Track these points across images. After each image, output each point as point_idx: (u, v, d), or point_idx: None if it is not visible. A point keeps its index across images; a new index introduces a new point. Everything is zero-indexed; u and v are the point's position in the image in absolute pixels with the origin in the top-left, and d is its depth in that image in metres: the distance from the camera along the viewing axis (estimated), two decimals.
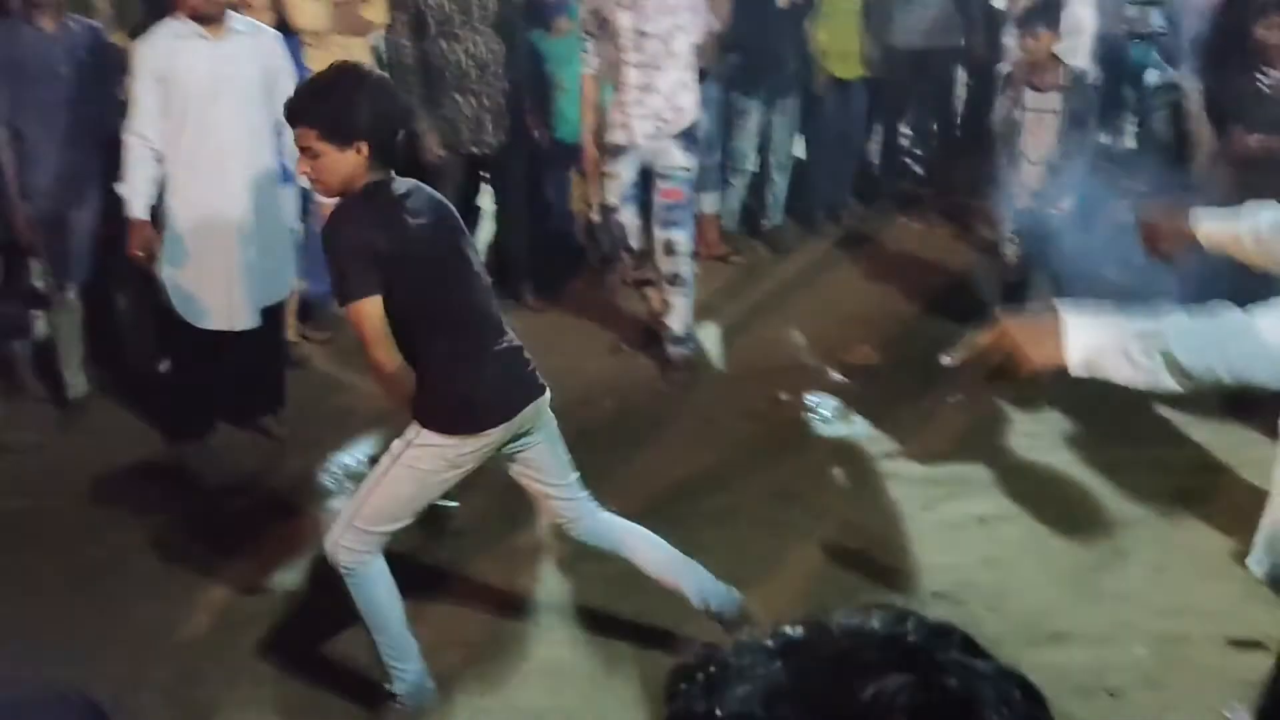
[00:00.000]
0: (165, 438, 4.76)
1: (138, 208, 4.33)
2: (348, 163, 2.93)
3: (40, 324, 5.16)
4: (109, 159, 4.57)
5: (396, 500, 3.13)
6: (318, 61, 5.28)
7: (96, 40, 4.74)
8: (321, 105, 2.95)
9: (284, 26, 5.30)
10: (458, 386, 3.07)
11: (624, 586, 3.88)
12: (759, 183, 6.72)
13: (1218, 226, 2.46)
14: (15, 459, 4.73)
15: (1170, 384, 1.92)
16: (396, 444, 3.12)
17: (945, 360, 2.16)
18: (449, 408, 3.07)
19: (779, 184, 6.69)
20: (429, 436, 3.06)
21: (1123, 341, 1.91)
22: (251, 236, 4.44)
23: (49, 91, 4.58)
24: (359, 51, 5.44)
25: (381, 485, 3.11)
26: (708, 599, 3.38)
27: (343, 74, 3.06)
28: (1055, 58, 5.04)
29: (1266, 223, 2.37)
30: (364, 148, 2.92)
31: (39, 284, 4.95)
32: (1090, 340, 1.93)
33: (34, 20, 4.56)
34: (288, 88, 4.44)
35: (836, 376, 5.29)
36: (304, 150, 2.97)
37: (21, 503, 4.43)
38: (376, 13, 5.48)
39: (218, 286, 4.43)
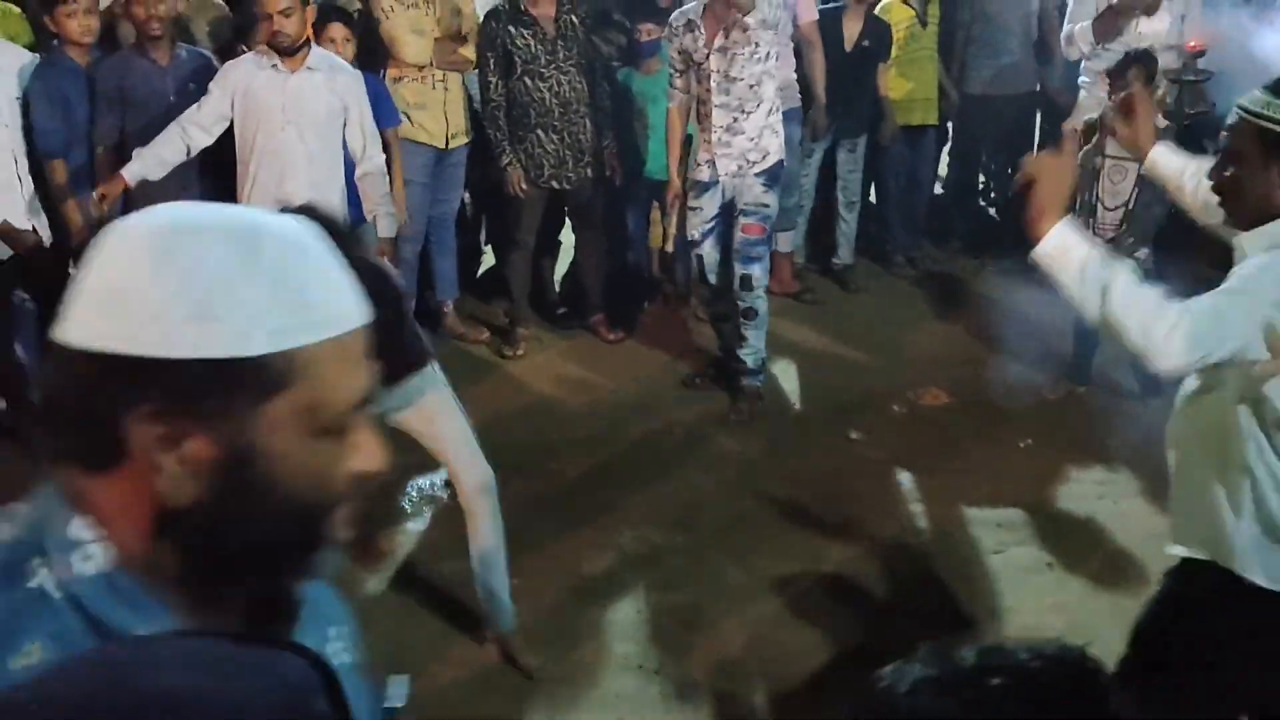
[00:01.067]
0: None
1: (131, 170, 4.58)
2: None
3: None
4: (208, 182, 4.88)
5: None
6: (416, 94, 5.49)
7: (204, 68, 4.94)
8: None
9: (372, 63, 5.49)
10: None
11: (693, 618, 3.94)
12: (829, 222, 6.77)
13: (1170, 158, 2.74)
14: None
15: (1093, 312, 2.27)
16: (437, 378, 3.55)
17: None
18: None
19: (848, 223, 6.73)
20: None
21: (1087, 258, 2.25)
22: None
23: (157, 118, 4.77)
24: (454, 87, 5.63)
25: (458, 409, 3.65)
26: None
27: None
28: None
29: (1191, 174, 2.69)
30: None
31: None
32: (1067, 241, 2.27)
33: (147, 53, 4.78)
34: (364, 126, 4.75)
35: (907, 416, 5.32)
36: None
37: None
38: (471, 51, 5.66)
39: None
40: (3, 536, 0.99)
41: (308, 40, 4.68)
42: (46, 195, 4.77)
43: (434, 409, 3.51)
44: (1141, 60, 5.10)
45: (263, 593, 1.05)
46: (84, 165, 4.83)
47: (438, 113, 5.58)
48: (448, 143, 5.64)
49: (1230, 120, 2.38)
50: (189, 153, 4.66)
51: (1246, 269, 2.37)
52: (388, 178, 5.01)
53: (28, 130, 4.71)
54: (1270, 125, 2.28)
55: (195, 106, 4.65)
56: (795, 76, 5.99)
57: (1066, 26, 5.74)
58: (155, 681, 0.74)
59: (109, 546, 0.97)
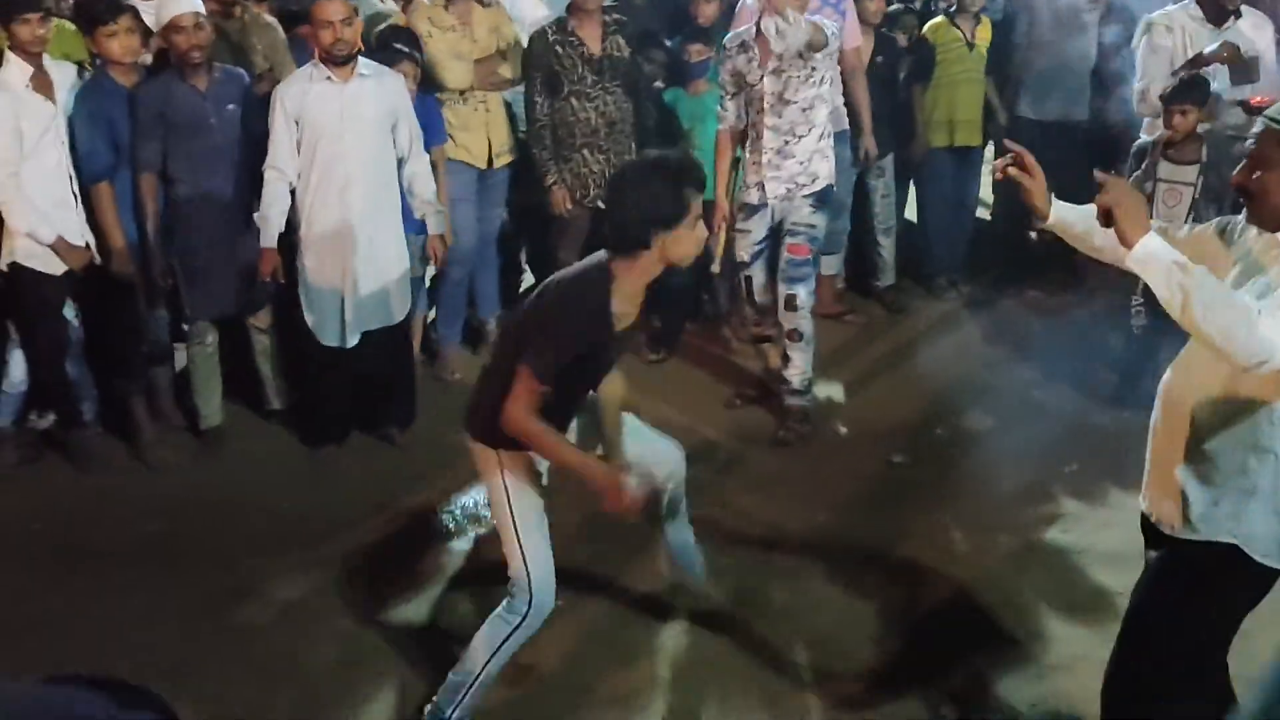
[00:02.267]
0: (305, 442, 5.22)
1: (269, 237, 4.82)
2: None
3: (180, 356, 5.40)
4: (251, 202, 4.95)
5: None
6: (458, 116, 5.53)
7: (243, 91, 4.97)
8: None
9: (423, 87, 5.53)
10: None
11: (738, 639, 3.92)
12: (868, 245, 6.74)
13: (1072, 210, 2.88)
14: (153, 484, 4.94)
15: (1178, 315, 2.41)
16: None
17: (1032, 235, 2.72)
18: None
19: (885, 247, 6.72)
20: None
21: (1170, 265, 2.40)
22: (367, 262, 4.88)
23: (198, 142, 4.83)
24: (495, 106, 5.66)
25: None
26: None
27: None
28: (1197, 135, 5.04)
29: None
30: None
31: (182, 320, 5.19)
32: (1157, 248, 2.42)
33: (188, 78, 4.81)
34: (410, 127, 4.89)
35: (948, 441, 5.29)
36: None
37: (157, 526, 4.62)
38: (512, 69, 5.68)
39: (333, 307, 4.91)
40: None
41: (358, 49, 4.80)
42: (91, 217, 4.81)
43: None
44: (1195, 85, 5.07)
45: None
46: (127, 188, 4.86)
47: (480, 134, 5.61)
48: (490, 162, 5.66)
49: (1257, 128, 2.58)
50: (292, 189, 4.82)
51: None
52: (434, 178, 5.13)
53: (74, 152, 4.75)
54: None
55: (271, 148, 4.77)
56: (844, 100, 5.97)
57: (1139, 83, 5.60)
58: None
59: None
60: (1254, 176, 2.57)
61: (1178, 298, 2.39)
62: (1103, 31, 6.37)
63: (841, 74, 5.79)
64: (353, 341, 4.95)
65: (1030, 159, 2.86)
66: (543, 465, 3.37)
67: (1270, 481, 2.62)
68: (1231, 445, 2.62)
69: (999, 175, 2.89)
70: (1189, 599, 2.78)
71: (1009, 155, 2.87)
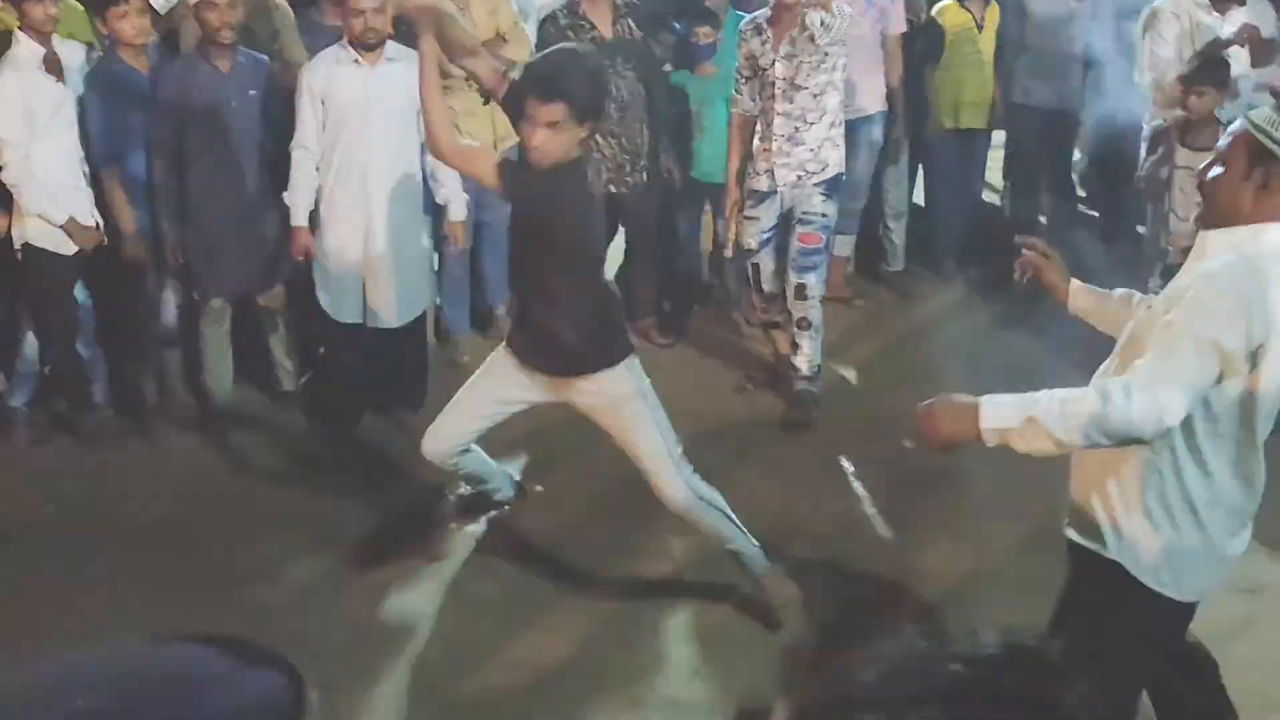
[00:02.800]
0: (318, 424, 5.23)
1: (300, 216, 4.83)
2: (574, 139, 3.40)
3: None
4: (267, 184, 4.96)
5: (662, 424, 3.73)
6: (463, 101, 5.50)
7: (263, 74, 4.97)
8: (584, 88, 3.36)
9: None
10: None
11: (750, 624, 3.93)
12: (878, 230, 6.73)
13: (1086, 299, 2.94)
14: (163, 465, 4.95)
15: (1055, 449, 2.39)
16: (627, 389, 3.69)
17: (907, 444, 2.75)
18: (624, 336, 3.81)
19: (896, 231, 6.71)
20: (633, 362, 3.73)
21: (1015, 426, 2.39)
22: (388, 244, 4.88)
23: (218, 123, 4.82)
24: None
25: (655, 423, 3.72)
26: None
27: (598, 62, 3.61)
28: (1214, 117, 5.01)
29: (1121, 297, 2.90)
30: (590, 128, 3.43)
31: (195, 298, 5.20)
32: (994, 420, 2.41)
33: (211, 59, 4.81)
34: None
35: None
36: (549, 123, 3.33)
37: (167, 508, 4.62)
38: (515, 51, 5.64)
39: (353, 288, 4.90)
40: None
41: (388, 34, 4.79)
42: (100, 199, 4.81)
43: (631, 418, 3.66)
44: (1215, 66, 5.03)
45: None
46: (141, 171, 4.87)
47: (485, 120, 5.57)
48: (495, 147, 5.64)
49: (1236, 124, 2.52)
50: (319, 167, 4.82)
51: (1179, 314, 2.41)
52: None
53: (83, 134, 4.74)
54: (1261, 138, 2.41)
55: (297, 127, 4.77)
56: (885, 80, 5.97)
57: (1150, 74, 5.55)
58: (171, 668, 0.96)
59: None
60: (1211, 173, 2.51)
61: (1041, 442, 2.36)
62: (1097, 17, 6.33)
63: (884, 59, 5.80)
64: (375, 322, 4.96)
65: (1042, 247, 2.89)
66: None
67: (1155, 497, 2.52)
68: (1119, 455, 2.52)
69: (1020, 275, 2.95)
70: (1091, 619, 2.68)
71: (1029, 246, 2.91)
